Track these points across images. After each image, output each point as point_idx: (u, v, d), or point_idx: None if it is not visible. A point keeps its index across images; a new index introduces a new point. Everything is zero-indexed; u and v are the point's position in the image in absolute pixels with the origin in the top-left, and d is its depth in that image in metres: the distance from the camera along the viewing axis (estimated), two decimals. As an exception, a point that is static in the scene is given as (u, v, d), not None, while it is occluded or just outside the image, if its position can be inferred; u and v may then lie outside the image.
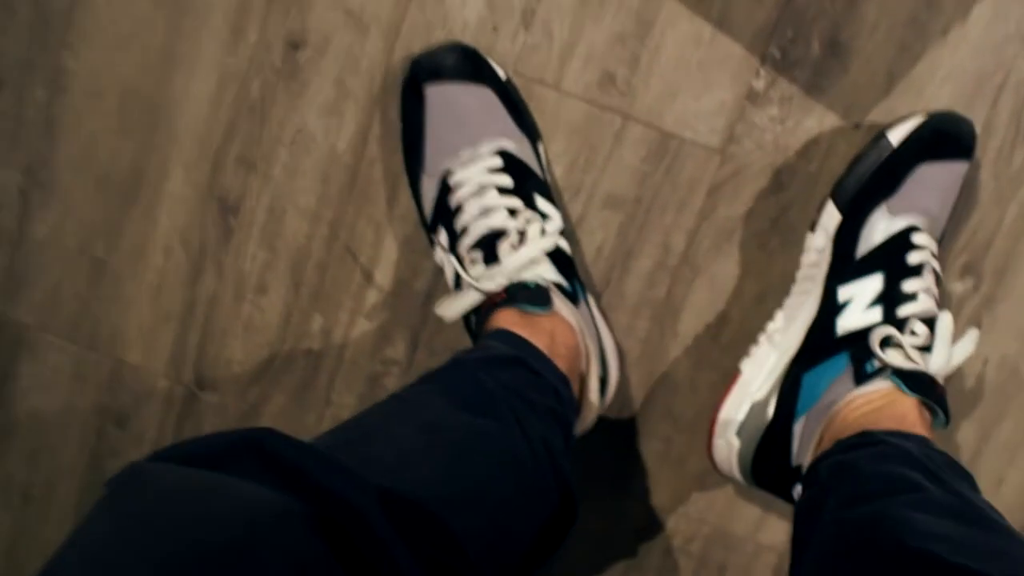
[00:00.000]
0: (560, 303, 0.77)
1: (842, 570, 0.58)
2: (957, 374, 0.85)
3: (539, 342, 0.74)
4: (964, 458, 0.86)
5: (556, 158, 0.86)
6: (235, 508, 0.41)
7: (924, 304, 0.76)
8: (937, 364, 0.74)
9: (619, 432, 0.90)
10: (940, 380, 0.74)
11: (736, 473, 0.83)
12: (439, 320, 0.82)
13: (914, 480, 0.61)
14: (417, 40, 0.85)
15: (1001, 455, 0.87)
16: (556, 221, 0.80)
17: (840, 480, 0.65)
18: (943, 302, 0.81)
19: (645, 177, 0.85)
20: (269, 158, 0.88)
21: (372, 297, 0.90)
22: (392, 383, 0.91)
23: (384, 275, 0.89)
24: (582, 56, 0.84)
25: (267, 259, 0.90)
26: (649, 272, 0.87)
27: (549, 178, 0.85)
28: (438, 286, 0.89)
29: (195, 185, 0.90)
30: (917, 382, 0.73)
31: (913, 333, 0.75)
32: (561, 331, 0.76)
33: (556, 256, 0.79)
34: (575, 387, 0.77)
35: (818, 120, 0.83)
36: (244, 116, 0.88)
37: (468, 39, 0.84)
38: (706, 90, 0.83)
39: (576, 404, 0.77)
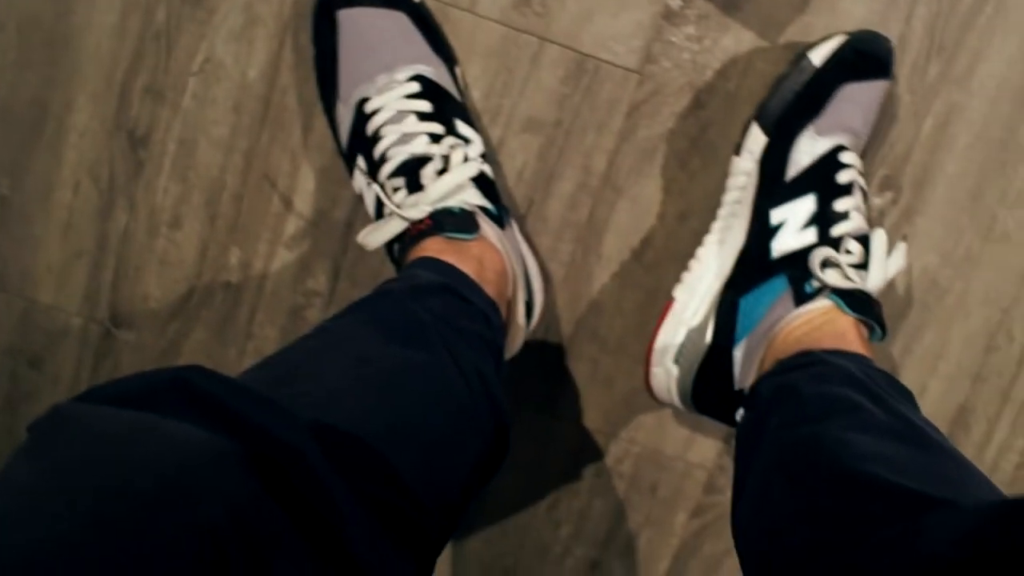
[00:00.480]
0: (487, 228, 0.78)
1: (783, 493, 0.60)
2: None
3: (468, 268, 0.75)
4: (887, 368, 0.91)
5: (473, 82, 0.87)
6: (165, 449, 0.41)
7: (856, 222, 0.78)
8: (874, 281, 0.77)
9: (547, 355, 0.93)
10: (876, 296, 0.77)
11: (676, 400, 0.86)
12: (360, 249, 0.83)
13: (855, 400, 0.63)
14: (327, -38, 0.86)
15: (923, 365, 0.92)
16: (478, 145, 0.81)
17: (781, 402, 0.68)
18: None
19: (564, 99, 0.87)
20: (178, 88, 0.89)
21: (291, 228, 0.91)
22: (314, 315, 0.93)
23: (302, 205, 0.91)
24: (497, -24, 0.86)
25: (180, 192, 0.91)
26: (571, 194, 0.89)
27: (467, 102, 0.87)
28: (358, 215, 0.90)
29: (102, 118, 0.90)
30: (856, 301, 0.75)
31: (848, 252, 0.78)
32: (489, 256, 0.78)
33: (480, 181, 0.80)
34: (503, 312, 0.79)
35: (735, 38, 0.85)
36: (150, 45, 0.88)
37: (381, -39, 0.85)
38: (622, 10, 0.85)
39: (504, 329, 0.80)
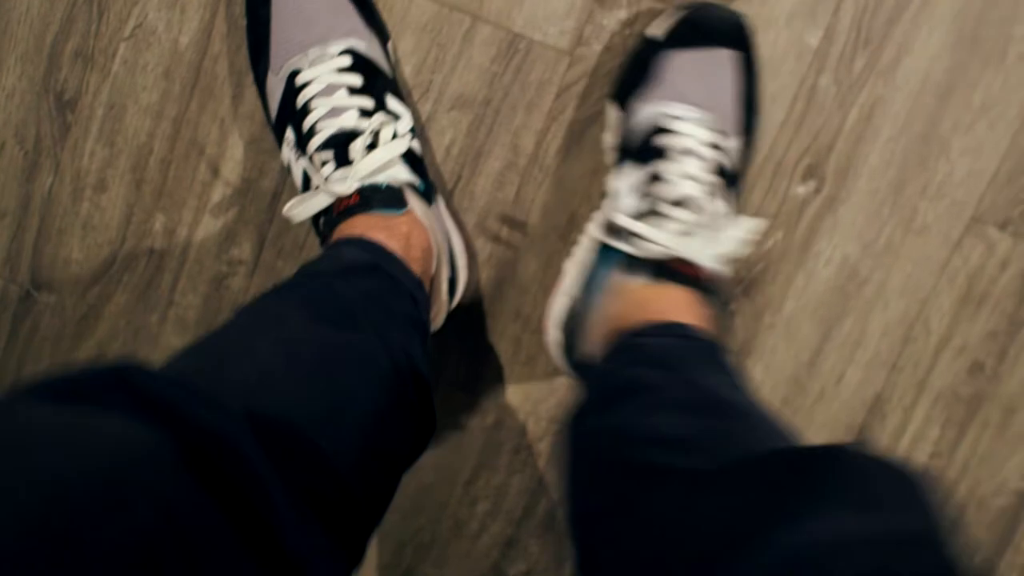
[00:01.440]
0: (415, 204, 0.79)
1: (584, 491, 0.62)
2: (802, 273, 0.91)
3: (395, 245, 0.76)
4: (805, 356, 0.93)
5: (405, 57, 0.89)
6: (100, 451, 0.41)
7: (681, 189, 0.78)
8: (693, 248, 0.76)
9: (469, 333, 0.94)
10: (703, 263, 0.77)
11: (563, 366, 0.88)
12: (286, 220, 0.84)
13: (650, 382, 0.64)
14: (262, -68, 0.87)
15: (841, 353, 0.94)
16: (407, 121, 0.82)
17: (587, 392, 0.69)
18: (780, 200, 0.87)
19: (494, 78, 0.89)
20: (108, 52, 0.89)
21: (217, 196, 0.92)
22: (237, 283, 0.94)
23: (230, 174, 0.92)
24: (431, -48, 0.87)
25: (107, 156, 0.92)
26: (499, 172, 0.91)
27: (398, 77, 0.88)
28: (285, 186, 0.91)
29: (30, 79, 0.90)
30: (664, 269, 0.76)
31: (668, 218, 0.78)
32: (416, 233, 0.79)
33: (408, 157, 0.81)
34: (427, 288, 0.80)
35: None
36: (81, 8, 0.89)
37: (314, -68, 0.87)
38: (556, -10, 0.87)
39: (428, 305, 0.81)
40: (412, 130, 0.83)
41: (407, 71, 0.88)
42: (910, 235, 0.90)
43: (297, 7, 0.82)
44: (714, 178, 0.80)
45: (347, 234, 0.77)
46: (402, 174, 0.80)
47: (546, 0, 0.86)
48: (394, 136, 0.80)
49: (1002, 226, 0.88)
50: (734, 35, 0.83)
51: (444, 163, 0.90)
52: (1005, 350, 0.91)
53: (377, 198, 0.77)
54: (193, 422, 0.45)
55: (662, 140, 0.80)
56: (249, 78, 0.87)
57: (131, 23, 0.88)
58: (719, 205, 0.80)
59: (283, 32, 0.83)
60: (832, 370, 0.93)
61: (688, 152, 0.80)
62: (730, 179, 0.82)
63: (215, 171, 0.91)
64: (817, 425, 0.93)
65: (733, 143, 0.83)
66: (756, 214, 0.89)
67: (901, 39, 0.86)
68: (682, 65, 0.82)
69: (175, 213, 0.92)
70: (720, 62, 0.83)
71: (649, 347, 0.69)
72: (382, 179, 0.78)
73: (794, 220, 0.89)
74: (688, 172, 0.79)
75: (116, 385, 0.45)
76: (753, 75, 0.84)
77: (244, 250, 0.93)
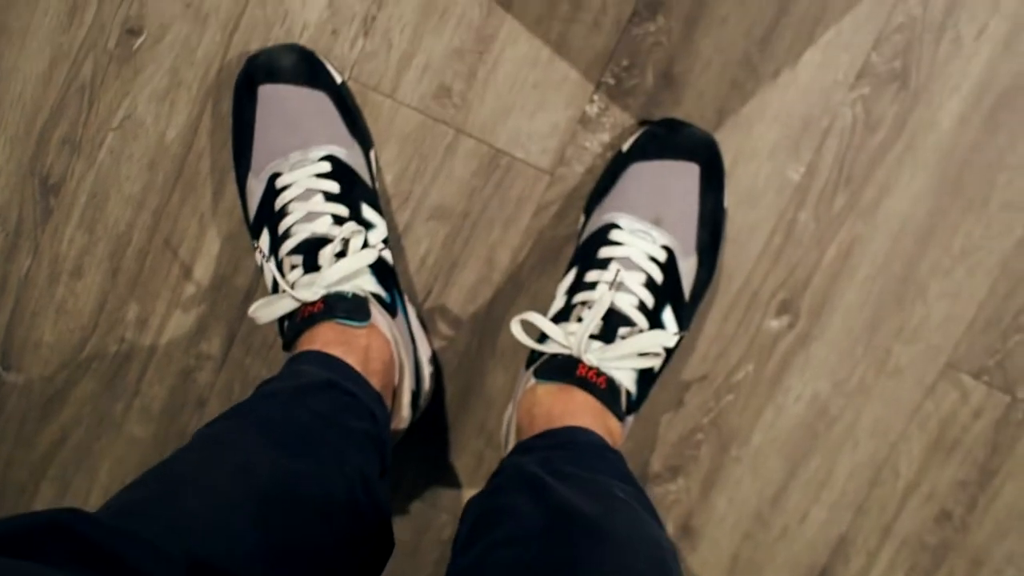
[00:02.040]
0: (378, 315, 0.79)
1: None
2: (771, 407, 0.91)
3: (354, 359, 0.76)
4: (770, 492, 0.92)
5: (387, 165, 0.90)
6: None
7: (606, 297, 0.77)
8: (594, 353, 0.76)
9: (432, 445, 0.94)
10: (606, 369, 0.76)
11: None
12: (255, 319, 0.85)
13: (513, 509, 0.63)
14: (256, 36, 0.89)
15: (807, 491, 0.93)
16: (381, 230, 0.83)
17: (460, 523, 0.69)
18: (753, 333, 0.87)
19: (474, 191, 0.90)
20: (95, 141, 0.91)
21: (191, 290, 0.93)
22: (204, 378, 0.95)
23: (205, 269, 0.93)
24: (420, 67, 0.88)
25: (85, 243, 0.93)
26: (472, 285, 0.91)
27: (378, 185, 0.89)
28: (258, 285, 0.92)
29: (17, 161, 0.92)
30: (554, 367, 0.76)
31: (579, 320, 0.78)
32: (377, 345, 0.79)
33: (378, 267, 0.82)
34: (388, 401, 0.80)
35: (645, 149, 0.88)
36: (73, 96, 0.91)
37: (306, 41, 0.88)
38: (540, 110, 0.88)
39: (389, 419, 0.81)
40: (385, 240, 0.84)
41: (388, 179, 0.89)
42: (883, 377, 0.90)
43: (282, 111, 0.84)
44: (647, 293, 0.80)
45: (307, 347, 0.77)
46: (368, 284, 0.80)
47: (531, 118, 0.87)
48: (365, 245, 0.81)
49: (977, 374, 0.88)
50: (699, 151, 0.84)
51: (418, 273, 0.91)
52: (975, 500, 0.90)
53: (341, 307, 0.77)
54: (134, 573, 0.45)
55: (603, 249, 0.81)
56: (231, 176, 0.88)
57: (120, 114, 0.90)
58: (660, 319, 0.80)
59: (267, 135, 0.84)
60: (797, 508, 0.92)
61: (624, 262, 0.80)
62: (675, 297, 0.82)
63: (190, 265, 0.92)
64: (778, 564, 0.92)
65: (689, 261, 0.83)
66: (728, 345, 0.89)
67: (883, 179, 0.87)
68: (640, 176, 0.83)
69: (148, 304, 0.93)
70: (681, 176, 0.83)
71: (523, 467, 0.68)
72: (348, 288, 0.79)
73: (766, 353, 0.89)
74: (617, 281, 0.79)
75: (56, 534, 0.45)
76: (718, 194, 0.85)
77: (213, 345, 0.94)
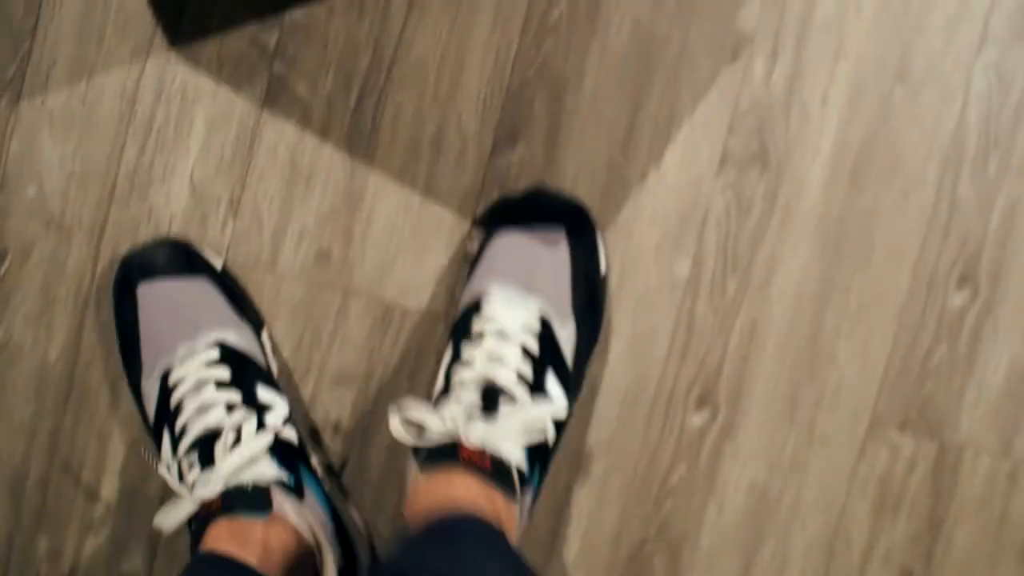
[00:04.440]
0: (282, 502, 0.77)
1: None
2: (713, 503, 0.91)
3: (251, 554, 0.74)
4: None
5: (282, 339, 0.89)
6: None
7: (482, 371, 0.78)
8: (477, 432, 0.75)
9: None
10: (492, 448, 0.75)
11: None
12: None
13: None
14: (124, 238, 0.88)
15: (767, 580, 0.93)
16: (280, 410, 0.82)
17: None
18: (678, 433, 0.88)
19: (373, 351, 0.90)
20: (-24, 376, 0.90)
21: (100, 510, 0.91)
22: (132, 598, 0.92)
23: (111, 485, 0.90)
24: (295, 236, 0.89)
25: (-18, 483, 0.91)
26: (390, 445, 0.90)
27: (276, 363, 0.88)
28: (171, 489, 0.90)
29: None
30: (435, 453, 0.75)
31: (459, 401, 0.77)
32: (277, 536, 0.76)
33: (278, 448, 0.80)
34: None
35: (533, 274, 0.89)
36: (-55, 336, 0.89)
37: (177, 231, 0.89)
38: (422, 256, 0.89)
39: None
40: (288, 417, 0.82)
41: (286, 352, 0.89)
42: (813, 449, 0.91)
43: (165, 306, 0.83)
44: (524, 363, 0.79)
45: (205, 548, 0.75)
46: (269, 470, 0.78)
47: (415, 265, 0.88)
48: (259, 428, 0.79)
49: (901, 427, 0.89)
50: (565, 215, 0.85)
51: (333, 442, 0.90)
52: (930, 552, 0.90)
53: (240, 501, 0.75)
54: None
55: (476, 322, 0.81)
56: (124, 382, 0.87)
57: (-2, 344, 0.89)
58: (545, 389, 0.79)
59: (153, 333, 0.84)
60: (760, 598, 0.91)
61: (498, 335, 0.80)
62: (556, 364, 0.81)
63: (96, 485, 0.90)
64: (754, 660, 0.91)
65: (567, 327, 0.83)
66: (656, 450, 0.90)
67: (768, 257, 0.89)
68: (508, 244, 0.84)
69: (58, 534, 0.90)
70: (549, 241, 0.84)
71: (402, 560, 0.67)
72: (247, 478, 0.77)
73: (695, 451, 0.90)
74: (493, 353, 0.79)
75: None
76: (590, 255, 0.85)
77: (135, 562, 0.91)
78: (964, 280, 0.87)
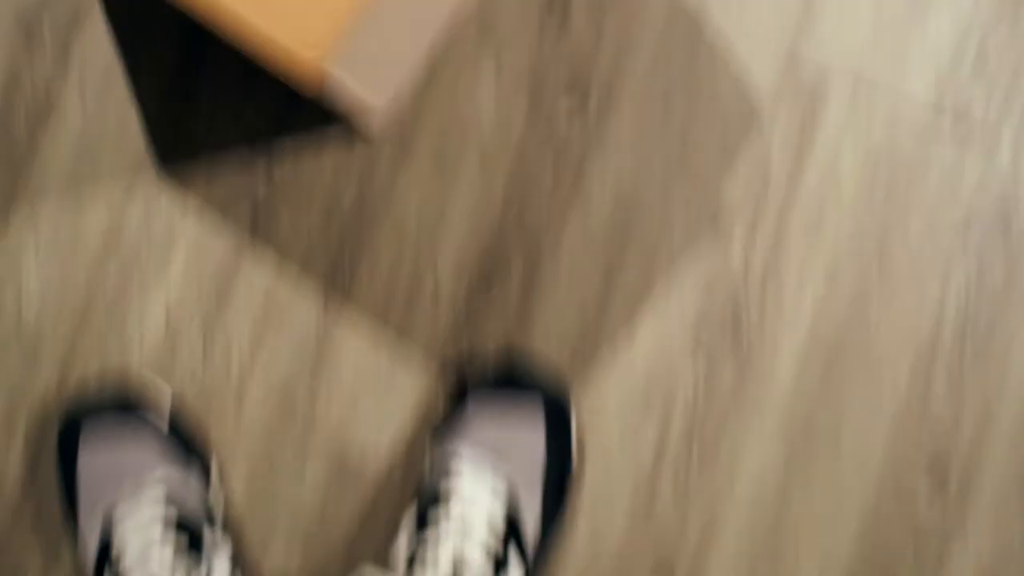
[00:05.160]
0: None
1: None
2: None
3: None
4: None
5: (235, 481, 0.88)
6: None
7: (449, 538, 0.77)
8: None
9: None
10: None
11: None
12: None
13: None
14: (92, 363, 0.90)
15: None
16: (225, 550, 0.81)
17: None
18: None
19: (329, 500, 0.88)
20: None
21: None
22: None
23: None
24: (261, 375, 0.89)
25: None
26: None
27: (226, 497, 0.88)
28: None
29: None
30: None
31: (423, 561, 0.76)
32: None
33: None
34: None
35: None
36: None
37: (147, 361, 0.89)
38: (387, 405, 0.88)
39: None
40: (234, 558, 0.82)
41: (239, 488, 0.88)
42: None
43: (105, 452, 0.83)
44: (490, 537, 0.78)
45: None
46: None
47: (380, 415, 0.88)
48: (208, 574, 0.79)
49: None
50: (543, 383, 0.85)
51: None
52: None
53: None
54: None
55: (441, 485, 0.80)
56: (66, 540, 0.88)
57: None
58: (507, 561, 0.79)
59: (94, 481, 0.83)
60: None
61: (464, 501, 0.79)
62: (518, 536, 0.80)
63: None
64: None
65: (534, 501, 0.82)
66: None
67: (734, 442, 0.88)
68: (482, 408, 0.84)
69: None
70: (526, 413, 0.84)
71: None
72: None
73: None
74: (460, 526, 0.78)
75: None
76: (566, 431, 0.85)
77: None
78: (934, 477, 0.87)
